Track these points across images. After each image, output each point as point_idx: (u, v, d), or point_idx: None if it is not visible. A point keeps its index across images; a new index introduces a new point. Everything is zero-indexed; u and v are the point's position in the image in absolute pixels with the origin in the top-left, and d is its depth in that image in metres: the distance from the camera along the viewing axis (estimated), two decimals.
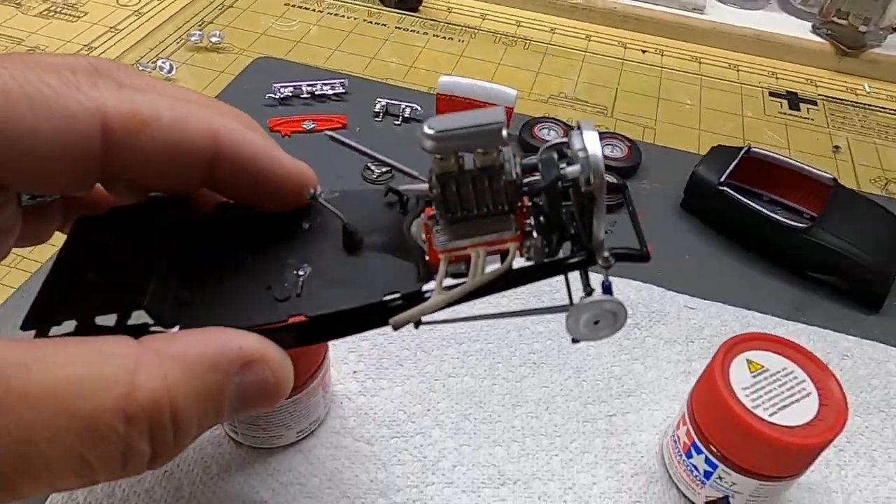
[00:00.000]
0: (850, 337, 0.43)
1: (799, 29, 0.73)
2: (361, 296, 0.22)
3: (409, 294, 0.22)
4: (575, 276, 0.23)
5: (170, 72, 0.60)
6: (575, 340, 0.23)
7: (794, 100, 0.67)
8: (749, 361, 0.32)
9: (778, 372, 0.31)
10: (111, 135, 0.18)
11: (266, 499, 0.33)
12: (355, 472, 0.34)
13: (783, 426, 0.29)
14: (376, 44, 0.69)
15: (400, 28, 0.71)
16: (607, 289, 0.22)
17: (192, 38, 0.64)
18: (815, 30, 0.72)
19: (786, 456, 0.29)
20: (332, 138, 0.24)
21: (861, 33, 0.69)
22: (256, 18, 0.70)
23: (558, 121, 0.57)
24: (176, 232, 0.23)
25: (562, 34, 0.73)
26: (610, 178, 0.21)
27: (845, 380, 0.40)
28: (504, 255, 0.22)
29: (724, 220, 0.49)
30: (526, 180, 0.22)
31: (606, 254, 0.21)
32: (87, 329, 0.21)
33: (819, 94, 0.68)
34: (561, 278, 0.23)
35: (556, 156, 0.22)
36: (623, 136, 0.56)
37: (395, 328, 0.21)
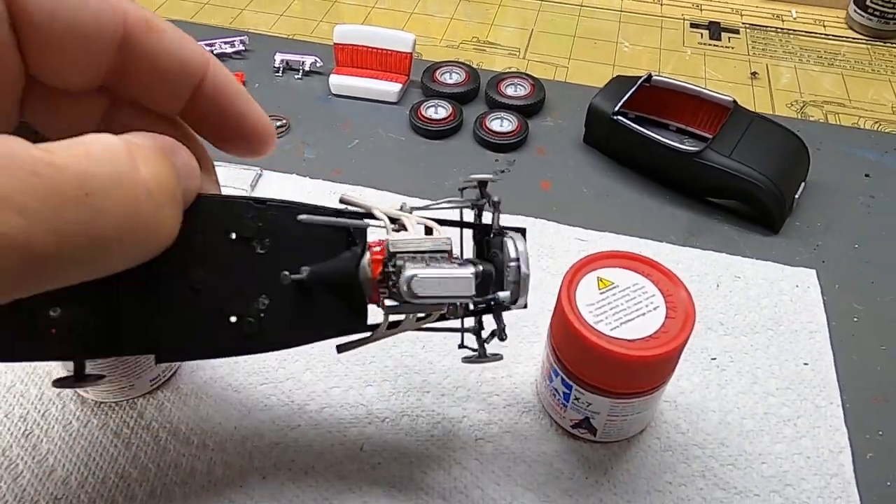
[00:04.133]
0: (744, 259, 0.42)
1: None
2: (313, 334, 0.25)
3: (353, 330, 0.25)
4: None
5: None
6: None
7: (715, 30, 0.65)
8: (599, 279, 0.31)
9: (627, 287, 0.30)
10: (128, 32, 0.20)
11: (123, 450, 0.32)
12: (219, 420, 0.34)
13: (622, 339, 0.28)
14: (286, 0, 0.67)
15: None
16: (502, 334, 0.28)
17: None
18: None
19: (627, 370, 0.29)
20: (345, 201, 0.26)
21: None
22: None
23: (461, 64, 0.55)
24: None
25: None
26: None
27: (735, 301, 0.40)
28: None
29: (621, 150, 0.48)
30: None
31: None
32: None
33: (743, 23, 0.66)
34: None
35: (492, 272, 0.26)
36: (528, 76, 0.54)
37: (339, 352, 0.27)
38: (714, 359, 0.37)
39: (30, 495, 0.31)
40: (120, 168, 0.18)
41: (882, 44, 0.64)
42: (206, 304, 0.23)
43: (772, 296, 0.40)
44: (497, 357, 0.28)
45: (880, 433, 0.34)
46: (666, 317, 0.29)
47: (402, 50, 0.53)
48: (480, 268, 0.25)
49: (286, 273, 0.24)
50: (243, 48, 0.58)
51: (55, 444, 0.33)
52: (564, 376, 0.31)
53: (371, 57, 0.54)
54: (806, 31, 0.65)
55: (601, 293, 0.30)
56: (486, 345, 0.29)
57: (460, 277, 0.23)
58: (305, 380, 0.36)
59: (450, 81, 0.54)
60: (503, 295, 0.25)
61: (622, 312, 0.29)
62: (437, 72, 0.54)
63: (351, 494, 0.31)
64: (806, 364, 0.37)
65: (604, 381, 0.30)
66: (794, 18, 0.67)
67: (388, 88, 0.53)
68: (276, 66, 0.56)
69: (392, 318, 0.25)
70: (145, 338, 0.23)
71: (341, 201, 0.26)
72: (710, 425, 0.34)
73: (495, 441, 0.33)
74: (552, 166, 0.49)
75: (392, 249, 0.24)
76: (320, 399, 0.35)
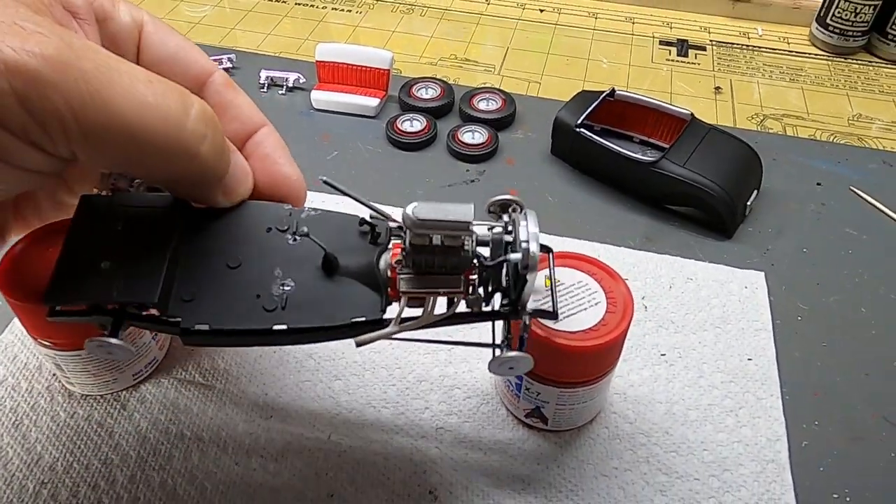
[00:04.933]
0: (697, 262, 0.45)
1: None
2: (333, 316, 0.26)
3: (371, 320, 0.27)
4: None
5: None
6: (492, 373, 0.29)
7: (683, 47, 0.68)
8: (546, 277, 0.33)
9: (572, 285, 0.33)
10: (211, 81, 0.30)
11: (106, 439, 0.35)
12: (196, 411, 0.36)
13: (564, 332, 0.31)
14: (274, 20, 0.70)
15: (300, 4, 0.73)
16: (522, 342, 0.28)
17: None
18: None
19: (569, 359, 0.31)
20: (326, 182, 0.28)
21: None
22: (167, 4, 0.72)
23: (437, 80, 0.58)
24: (179, 225, 0.27)
25: None
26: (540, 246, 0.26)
27: (686, 301, 0.42)
28: (451, 300, 0.27)
29: (584, 161, 0.51)
30: (478, 251, 0.27)
31: (528, 320, 0.27)
32: (97, 310, 0.26)
33: (711, 41, 0.69)
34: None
35: (504, 238, 0.27)
36: (500, 90, 0.57)
37: (358, 346, 0.27)
38: (664, 355, 0.39)
39: (18, 480, 0.33)
40: (177, 89, 0.24)
41: (842, 59, 0.67)
42: (236, 280, 0.27)
43: (721, 296, 0.43)
44: (525, 358, 0.28)
45: (816, 423, 0.37)
46: (606, 311, 0.32)
47: (381, 67, 0.56)
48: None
49: (311, 238, 0.27)
50: (231, 66, 0.61)
51: (43, 434, 0.35)
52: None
53: (351, 73, 0.57)
54: (770, 48, 0.68)
55: (547, 290, 0.33)
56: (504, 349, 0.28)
57: (460, 205, 0.24)
58: (278, 374, 0.38)
59: (425, 96, 0.57)
60: (514, 256, 0.26)
61: (566, 307, 0.32)
62: (414, 87, 0.57)
63: (318, 480, 0.34)
64: (750, 359, 0.39)
65: (550, 372, 0.32)
66: (760, 36, 0.70)
67: (367, 103, 0.56)
68: (262, 82, 0.59)
69: (408, 312, 0.27)
70: (177, 302, 0.26)
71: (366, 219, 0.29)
72: (657, 416, 0.37)
73: (455, 430, 0.36)
74: (520, 176, 0.51)
75: (413, 216, 0.24)
76: (291, 392, 0.37)
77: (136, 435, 0.35)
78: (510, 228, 0.27)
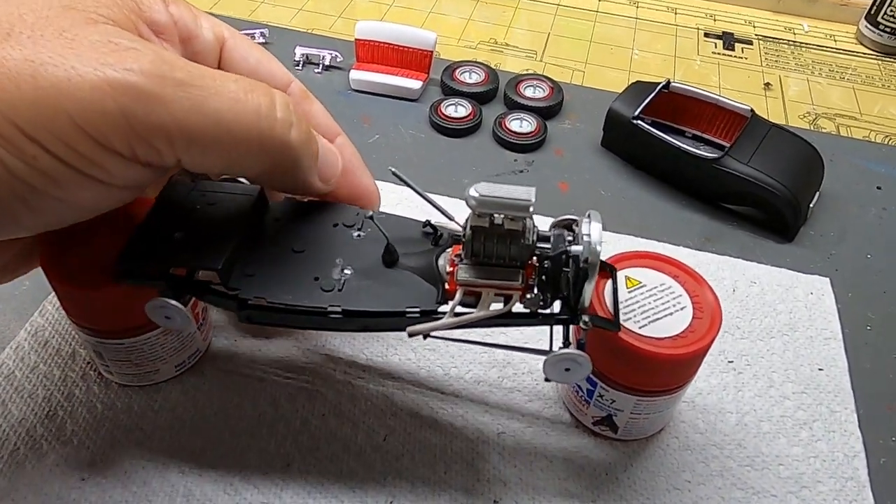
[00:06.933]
0: (760, 265, 0.43)
1: None
2: (388, 303, 0.27)
3: (426, 311, 0.26)
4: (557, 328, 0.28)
5: None
6: (547, 380, 0.27)
7: (729, 40, 0.66)
8: (627, 278, 0.31)
9: (655, 287, 0.31)
10: (289, 93, 0.30)
11: (149, 433, 0.33)
12: (245, 407, 0.34)
13: (651, 337, 0.29)
14: None
15: None
16: (581, 346, 0.27)
17: None
18: None
19: (654, 367, 0.29)
20: (395, 174, 0.28)
21: None
22: None
23: (480, 64, 0.56)
24: (253, 213, 0.29)
25: None
26: (602, 260, 0.27)
27: (751, 305, 0.40)
28: (508, 299, 0.26)
29: (639, 155, 0.49)
30: (539, 245, 0.26)
31: (587, 318, 0.26)
32: (164, 275, 0.27)
33: (756, 35, 0.67)
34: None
35: (565, 232, 0.27)
36: (546, 78, 0.55)
37: (410, 335, 0.26)
38: (731, 362, 0.38)
39: (56, 476, 0.31)
40: (260, 84, 0.24)
41: (891, 59, 0.65)
42: (298, 262, 0.28)
43: (787, 302, 0.41)
44: (583, 358, 0.26)
45: (893, 439, 0.35)
46: (693, 317, 0.30)
47: (424, 48, 0.53)
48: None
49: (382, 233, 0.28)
50: (263, 41, 0.58)
51: (79, 426, 0.33)
52: (589, 373, 0.31)
53: (392, 54, 0.54)
54: (817, 45, 0.66)
55: (629, 292, 0.31)
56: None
57: (521, 186, 0.24)
58: (327, 371, 0.36)
59: (469, 81, 0.54)
60: (576, 248, 0.25)
61: (650, 311, 0.30)
62: (457, 71, 0.55)
63: (375, 484, 0.32)
64: (821, 369, 0.37)
65: (630, 379, 0.30)
66: (806, 32, 0.68)
67: (409, 85, 0.53)
68: (297, 59, 0.56)
69: (460, 309, 0.26)
70: (238, 276, 0.27)
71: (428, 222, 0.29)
72: (728, 426, 0.35)
73: (517, 435, 0.34)
74: (570, 168, 0.49)
75: (475, 193, 0.24)
76: (343, 389, 0.35)
77: (182, 430, 0.33)
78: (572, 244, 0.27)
